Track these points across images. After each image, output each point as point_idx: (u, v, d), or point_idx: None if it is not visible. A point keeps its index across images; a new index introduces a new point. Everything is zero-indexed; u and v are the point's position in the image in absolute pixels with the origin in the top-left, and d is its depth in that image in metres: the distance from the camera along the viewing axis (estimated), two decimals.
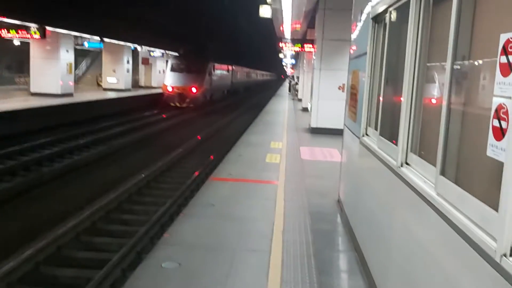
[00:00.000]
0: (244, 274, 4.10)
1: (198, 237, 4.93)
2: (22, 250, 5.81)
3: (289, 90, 41.95)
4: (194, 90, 25.80)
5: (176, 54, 30.96)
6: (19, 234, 6.82)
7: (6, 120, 14.54)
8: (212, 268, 4.17)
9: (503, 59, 1.73)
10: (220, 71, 32.97)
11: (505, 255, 1.64)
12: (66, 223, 6.78)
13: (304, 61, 26.06)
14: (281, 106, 26.16)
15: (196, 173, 10.03)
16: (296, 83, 36.16)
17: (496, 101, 1.78)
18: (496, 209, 1.75)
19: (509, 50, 1.69)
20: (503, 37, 1.74)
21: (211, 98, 29.64)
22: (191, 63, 26.92)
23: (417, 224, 2.79)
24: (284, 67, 68.41)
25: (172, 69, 26.63)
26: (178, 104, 25.63)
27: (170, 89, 25.73)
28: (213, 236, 5.00)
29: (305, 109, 21.48)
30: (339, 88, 12.58)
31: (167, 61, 37.27)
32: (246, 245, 4.77)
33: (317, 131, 13.95)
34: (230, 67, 37.21)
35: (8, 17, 16.52)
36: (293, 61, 42.01)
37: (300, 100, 26.90)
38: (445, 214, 2.21)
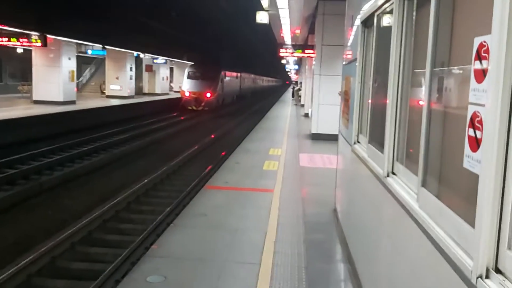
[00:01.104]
0: (231, 287, 3.98)
1: (187, 249, 4.82)
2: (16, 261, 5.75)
3: (293, 96, 41.97)
4: (208, 95, 29.36)
5: (190, 63, 34.18)
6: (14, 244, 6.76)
7: (7, 129, 14.54)
8: (198, 282, 4.06)
9: (477, 65, 1.62)
10: (230, 78, 36.35)
11: (481, 276, 1.52)
12: (62, 232, 6.70)
13: (306, 67, 25.99)
14: (283, 112, 26.07)
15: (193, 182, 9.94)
16: (299, 89, 36.26)
17: (471, 109, 1.67)
18: (473, 225, 1.63)
19: (483, 54, 1.58)
20: (477, 41, 1.63)
21: (222, 102, 32.90)
22: (205, 71, 30.34)
23: (401, 237, 2.67)
24: (288, 73, 68.44)
25: (189, 77, 30.25)
26: (194, 107, 29.08)
27: (187, 94, 29.40)
28: (203, 247, 4.89)
29: (307, 115, 21.36)
30: (339, 94, 12.43)
31: (171, 68, 37.92)
32: (235, 257, 4.65)
33: (317, 137, 13.83)
34: (238, 74, 40.68)
35: (8, 25, 16.57)
36: (297, 67, 41.97)
37: (302, 105, 26.81)
38: (425, 229, 2.09)
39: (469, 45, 1.80)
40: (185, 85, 29.93)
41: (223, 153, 13.59)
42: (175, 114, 26.18)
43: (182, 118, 24.71)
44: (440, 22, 2.18)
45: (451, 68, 2.17)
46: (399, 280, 2.61)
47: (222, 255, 4.67)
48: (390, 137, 3.02)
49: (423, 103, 2.59)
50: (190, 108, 28.95)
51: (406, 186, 2.68)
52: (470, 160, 1.67)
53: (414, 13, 2.85)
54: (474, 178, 1.71)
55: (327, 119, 13.51)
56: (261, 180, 8.14)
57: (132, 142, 16.01)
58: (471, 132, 1.66)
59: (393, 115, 3.01)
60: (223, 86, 32.58)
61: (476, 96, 1.62)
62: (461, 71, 2.05)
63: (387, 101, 3.08)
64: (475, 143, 1.62)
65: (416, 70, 2.89)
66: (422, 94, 2.84)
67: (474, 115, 1.63)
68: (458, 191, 2.04)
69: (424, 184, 2.26)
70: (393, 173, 3.01)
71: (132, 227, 7.43)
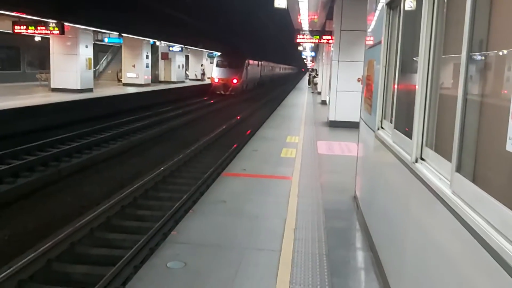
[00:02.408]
0: (252, 274, 3.94)
1: (207, 235, 4.79)
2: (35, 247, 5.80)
3: (309, 83, 41.74)
4: (235, 81, 33.67)
5: (218, 53, 38.80)
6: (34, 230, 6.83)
7: (27, 116, 14.69)
8: (219, 268, 4.02)
9: None
10: (252, 66, 40.16)
11: None
12: (81, 219, 6.74)
13: (324, 53, 25.69)
14: (300, 99, 25.88)
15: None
16: (314, 76, 36.27)
17: None
18: None
19: None
20: None
21: (246, 87, 37.14)
22: (232, 60, 34.45)
23: (431, 224, 2.58)
24: (304, 60, 67.88)
25: (218, 65, 34.58)
26: (222, 92, 33.21)
27: (216, 80, 33.78)
28: (222, 234, 4.85)
29: (324, 102, 21.17)
30: (358, 80, 12.26)
31: (186, 56, 38.40)
32: (255, 244, 4.61)
33: (335, 125, 13.68)
34: (259, 63, 44.67)
35: (26, 13, 16.64)
36: (313, 53, 41.59)
37: (319, 93, 26.57)
38: (461, 215, 2.00)
39: (511, 25, 1.69)
40: (215, 73, 34.05)
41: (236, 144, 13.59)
42: (191, 102, 26.21)
43: (199, 105, 24.99)
44: (478, 1, 2.06)
45: (490, 51, 2.05)
46: (429, 269, 2.52)
47: (242, 242, 4.63)
48: (419, 122, 2.92)
49: (456, 87, 2.48)
50: (218, 92, 33.07)
51: (436, 172, 2.58)
52: None
53: None
54: None
55: (345, 106, 13.35)
56: (279, 168, 8.07)
57: (149, 130, 16.07)
58: None
59: (422, 100, 2.90)
60: (247, 73, 36.61)
61: None
62: (501, 54, 1.94)
63: (416, 85, 2.97)
64: None
65: (447, 55, 2.77)
66: (454, 78, 2.73)
67: None
68: (499, 176, 1.93)
69: (458, 169, 2.15)
70: (422, 159, 2.90)
71: (150, 213, 7.45)
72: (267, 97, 33.14)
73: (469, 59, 2.12)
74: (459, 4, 2.29)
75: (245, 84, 36.34)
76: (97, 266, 5.54)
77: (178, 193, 8.29)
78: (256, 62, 42.47)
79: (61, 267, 5.51)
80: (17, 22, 18.14)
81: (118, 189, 8.59)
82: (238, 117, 19.88)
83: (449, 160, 2.29)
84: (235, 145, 12.59)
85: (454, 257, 2.15)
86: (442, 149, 2.65)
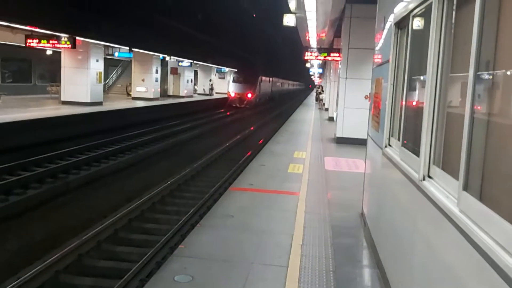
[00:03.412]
0: None
1: (214, 250, 4.81)
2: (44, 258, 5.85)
3: (316, 100, 42.01)
4: (249, 95, 36.94)
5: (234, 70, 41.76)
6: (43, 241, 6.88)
7: (37, 128, 14.84)
8: (226, 283, 4.04)
9: None
10: (264, 82, 43.29)
11: None
12: (89, 231, 6.79)
13: (331, 70, 25.83)
14: (307, 115, 25.95)
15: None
16: (320, 93, 37.03)
17: None
18: None
19: None
20: None
21: (259, 101, 40.19)
22: (246, 77, 37.73)
23: (438, 243, 2.59)
24: (312, 76, 68.19)
25: (233, 81, 37.89)
26: (238, 105, 36.28)
27: (232, 94, 37.19)
28: (230, 248, 4.87)
29: (331, 119, 21.22)
30: (365, 98, 12.31)
31: (195, 71, 39.21)
32: (263, 259, 4.62)
33: (342, 141, 13.70)
34: (270, 79, 47.74)
35: (39, 27, 16.93)
36: (320, 70, 41.87)
37: (326, 109, 26.64)
38: (468, 234, 2.02)
39: None
40: (231, 88, 37.54)
41: (249, 153, 13.63)
42: (200, 116, 26.38)
43: (206, 120, 25.13)
44: (485, 22, 2.11)
45: (497, 70, 2.10)
46: (436, 287, 2.53)
47: (249, 257, 4.64)
48: (426, 140, 2.95)
49: (464, 105, 2.52)
50: (234, 105, 36.07)
51: (444, 190, 2.60)
52: None
53: (454, 13, 2.77)
54: None
55: (353, 122, 13.38)
56: (286, 183, 8.10)
57: (157, 143, 16.17)
58: None
59: (430, 118, 2.93)
60: (260, 89, 39.95)
61: None
62: (509, 73, 1.98)
63: (424, 104, 3.01)
64: None
65: (454, 74, 2.81)
66: (462, 96, 2.77)
67: None
68: (505, 195, 1.96)
69: (466, 187, 2.18)
70: (429, 177, 2.93)
71: (157, 227, 7.48)
72: (274, 112, 33.28)
73: (476, 78, 2.16)
74: (467, 24, 2.34)
75: (258, 98, 39.53)
76: (104, 278, 5.57)
77: (184, 207, 8.33)
78: (267, 78, 45.79)
79: (68, 278, 5.55)
80: (29, 35, 18.47)
81: (126, 202, 8.64)
82: (238, 137, 19.93)
83: (457, 178, 2.31)
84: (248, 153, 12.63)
85: (460, 276, 2.16)
86: (449, 167, 2.67)
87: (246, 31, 39.67)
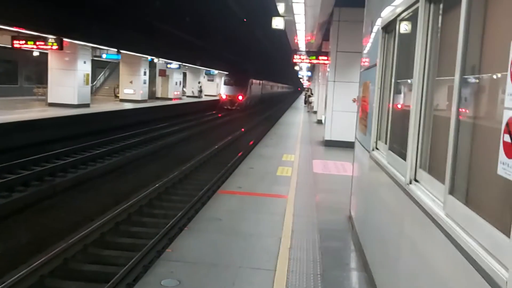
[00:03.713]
0: None
1: (201, 253, 4.78)
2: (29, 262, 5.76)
3: (305, 103, 42.19)
4: (240, 98, 37.58)
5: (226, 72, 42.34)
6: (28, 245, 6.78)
7: (22, 130, 14.66)
8: (213, 287, 4.01)
9: None
10: (255, 85, 43.80)
11: None
12: (75, 234, 6.71)
13: (320, 73, 25.94)
14: (296, 118, 26.01)
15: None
16: (309, 96, 37.20)
17: (507, 114, 1.61)
18: (508, 235, 1.57)
19: None
20: None
21: (249, 103, 40.77)
22: (237, 79, 38.36)
23: (424, 246, 2.60)
24: (300, 79, 68.43)
25: (225, 83, 38.61)
26: (229, 107, 36.90)
27: (224, 96, 37.87)
28: (217, 252, 4.84)
29: (319, 122, 21.29)
30: (353, 101, 12.37)
31: (184, 73, 39.15)
32: (250, 263, 4.60)
33: (331, 144, 13.75)
34: (260, 82, 48.42)
35: (25, 28, 16.74)
36: (309, 73, 42.08)
37: (315, 112, 26.73)
38: (453, 237, 2.03)
39: (502, 49, 1.75)
40: (222, 90, 38.32)
41: (240, 154, 13.61)
42: (189, 118, 26.30)
43: (195, 122, 25.06)
44: (471, 26, 2.13)
45: (482, 74, 2.12)
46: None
47: (237, 261, 4.62)
48: (413, 143, 2.96)
49: (450, 109, 2.54)
50: (225, 107, 36.64)
51: (430, 193, 2.62)
52: (506, 167, 1.61)
53: (440, 17, 2.79)
54: (508, 186, 1.66)
55: (341, 125, 13.43)
56: (275, 186, 8.09)
57: (145, 146, 16.07)
58: (506, 138, 1.61)
59: (416, 122, 2.95)
60: (250, 91, 40.49)
61: None
62: (494, 76, 2.00)
63: (411, 107, 3.03)
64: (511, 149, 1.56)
65: (441, 77, 2.83)
66: (448, 100, 2.79)
67: (511, 120, 1.57)
68: (490, 199, 1.97)
69: (451, 191, 2.19)
70: (416, 180, 2.94)
71: (145, 230, 7.42)
72: (263, 115, 33.32)
73: (463, 82, 2.17)
74: (453, 29, 2.36)
75: (248, 100, 40.27)
76: (90, 283, 5.51)
77: (172, 211, 8.28)
78: (258, 81, 46.58)
79: (54, 283, 5.47)
80: (16, 37, 18.25)
81: (113, 205, 8.57)
82: (227, 139, 19.91)
83: (443, 182, 2.33)
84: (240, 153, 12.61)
85: (446, 278, 2.17)
86: (435, 171, 2.69)
87: (236, 33, 39.70)
